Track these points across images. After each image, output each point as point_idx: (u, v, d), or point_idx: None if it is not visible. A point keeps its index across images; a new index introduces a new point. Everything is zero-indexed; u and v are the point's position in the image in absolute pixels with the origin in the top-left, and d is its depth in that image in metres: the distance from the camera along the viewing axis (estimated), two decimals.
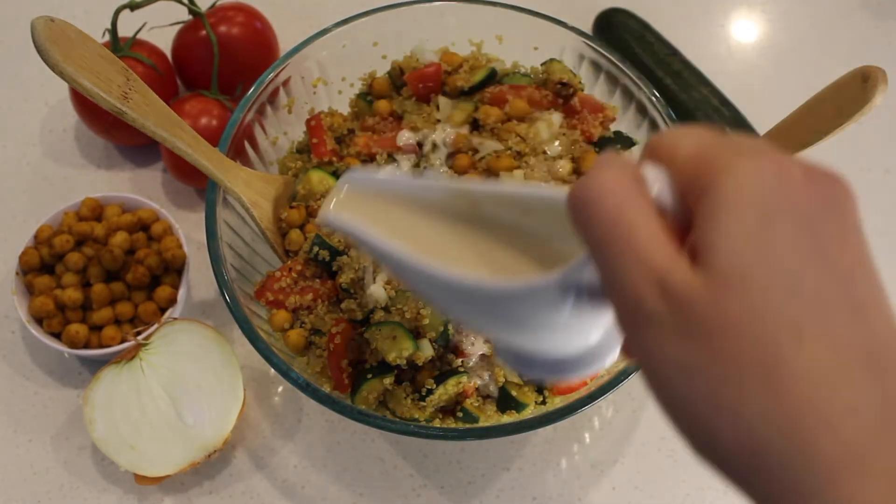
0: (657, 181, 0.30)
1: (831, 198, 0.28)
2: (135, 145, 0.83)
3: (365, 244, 0.42)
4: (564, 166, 0.66)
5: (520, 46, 0.75)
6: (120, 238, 0.70)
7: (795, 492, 0.26)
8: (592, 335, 0.39)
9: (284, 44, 0.86)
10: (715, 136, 0.30)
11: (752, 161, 0.28)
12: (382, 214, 0.44)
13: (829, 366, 0.26)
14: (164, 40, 0.83)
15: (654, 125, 0.70)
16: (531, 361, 0.42)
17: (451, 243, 0.43)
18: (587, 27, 0.91)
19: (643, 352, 0.29)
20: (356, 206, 0.44)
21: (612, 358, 0.40)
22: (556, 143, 0.68)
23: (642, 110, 0.71)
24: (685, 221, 0.30)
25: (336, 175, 0.68)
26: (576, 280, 0.33)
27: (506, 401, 0.62)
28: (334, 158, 0.69)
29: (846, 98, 0.52)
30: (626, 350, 0.36)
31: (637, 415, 0.71)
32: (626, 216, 0.28)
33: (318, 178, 0.68)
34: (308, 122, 0.72)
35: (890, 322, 0.27)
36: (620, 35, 0.88)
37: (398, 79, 0.73)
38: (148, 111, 0.57)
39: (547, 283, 0.34)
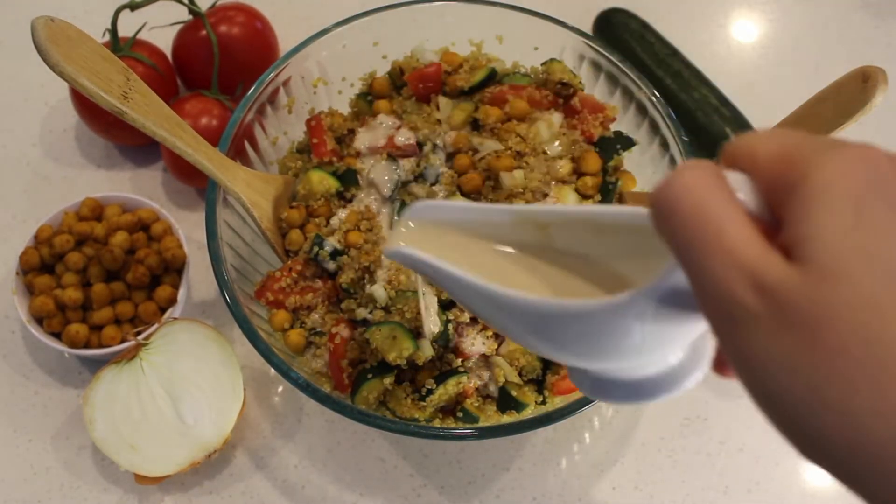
0: (741, 184, 0.30)
1: None
2: (135, 145, 0.83)
3: (435, 275, 0.41)
4: (564, 166, 0.66)
5: (520, 46, 0.75)
6: (120, 238, 0.70)
7: (883, 464, 0.25)
8: (673, 355, 0.39)
9: (284, 44, 0.86)
10: (794, 134, 0.29)
11: (839, 153, 0.27)
12: (449, 244, 0.43)
13: None
14: (164, 40, 0.83)
15: (654, 125, 0.70)
16: (610, 386, 0.41)
17: (520, 272, 0.42)
18: (587, 27, 0.91)
19: (740, 353, 0.28)
20: (422, 237, 0.43)
21: (696, 378, 0.39)
22: (557, 143, 0.68)
23: (642, 110, 0.71)
24: (772, 225, 0.29)
25: (336, 175, 0.68)
26: (664, 291, 0.32)
27: (506, 401, 0.62)
28: (334, 158, 0.69)
29: (846, 98, 0.52)
30: (721, 356, 0.36)
31: (637, 415, 0.71)
32: (714, 212, 0.28)
33: (318, 178, 0.68)
34: (308, 122, 0.72)
35: None
36: (620, 35, 0.88)
37: (398, 79, 0.73)
38: (148, 111, 0.57)
39: (632, 299, 0.33)
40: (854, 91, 0.52)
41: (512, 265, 0.42)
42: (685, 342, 0.37)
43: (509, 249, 0.43)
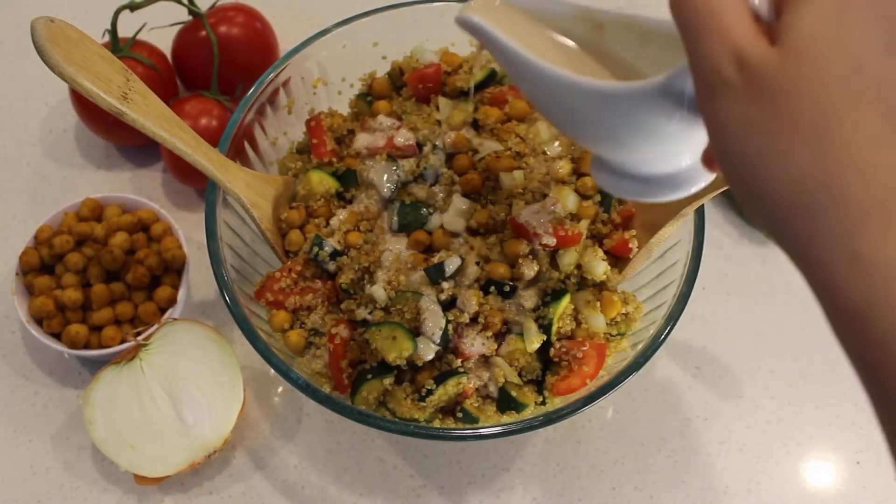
0: None
1: None
2: (135, 145, 0.83)
3: (496, 47, 0.46)
4: (564, 167, 0.66)
5: None
6: (120, 238, 0.70)
7: (825, 236, 0.30)
8: (684, 158, 0.45)
9: (284, 44, 0.86)
10: None
11: None
12: (515, 23, 0.49)
13: (876, 132, 0.29)
14: (164, 41, 0.83)
15: None
16: (623, 176, 0.48)
17: (571, 60, 0.49)
18: None
19: (714, 118, 0.33)
20: (491, 11, 0.49)
21: (700, 185, 0.47)
22: (556, 143, 0.68)
23: None
24: (771, 24, 0.33)
25: (336, 175, 0.68)
26: (677, 87, 0.37)
27: (506, 401, 0.62)
28: (334, 159, 0.69)
29: None
30: (709, 153, 0.40)
31: (637, 415, 0.71)
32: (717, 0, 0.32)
33: (317, 178, 0.68)
34: (308, 122, 0.72)
35: None
36: None
37: (398, 79, 0.73)
38: (147, 111, 0.57)
39: (653, 85, 0.38)
40: None
41: (565, 53, 0.49)
42: (697, 147, 0.42)
43: (567, 41, 0.50)
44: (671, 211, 0.61)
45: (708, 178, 0.46)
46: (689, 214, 0.61)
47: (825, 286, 0.30)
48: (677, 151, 0.45)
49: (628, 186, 0.48)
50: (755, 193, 0.32)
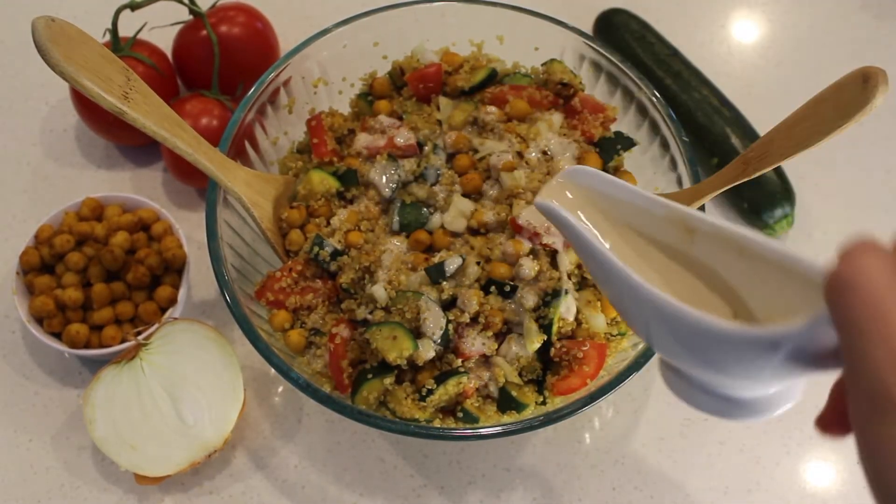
0: None
1: None
2: (135, 145, 0.83)
3: (576, 242, 0.44)
4: (565, 166, 0.66)
5: (520, 47, 0.75)
6: (120, 238, 0.70)
7: None
8: (775, 387, 0.39)
9: (285, 44, 0.86)
10: None
11: None
12: (594, 215, 0.46)
13: None
14: (164, 40, 0.83)
15: (654, 125, 0.70)
16: (700, 389, 0.42)
17: (654, 265, 0.44)
18: (587, 27, 0.91)
19: (877, 439, 0.30)
20: (572, 200, 0.46)
21: (784, 409, 0.40)
22: (555, 140, 0.68)
23: (643, 111, 0.71)
24: None
25: (336, 175, 0.68)
26: (807, 339, 0.33)
27: (506, 401, 0.62)
28: (335, 158, 0.69)
29: (846, 99, 0.52)
30: (832, 416, 0.37)
31: (637, 415, 0.71)
32: (889, 308, 0.29)
33: (318, 178, 0.68)
34: (308, 122, 0.72)
35: None
36: (621, 35, 0.88)
37: (399, 79, 0.73)
38: (148, 111, 0.57)
39: (780, 334, 0.34)
40: (854, 91, 0.51)
41: (647, 257, 0.44)
42: (791, 381, 0.38)
43: (649, 242, 0.45)
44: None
45: (795, 400, 0.41)
46: None
47: None
48: (772, 384, 0.40)
49: (704, 401, 0.43)
50: None
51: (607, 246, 0.44)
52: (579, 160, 0.67)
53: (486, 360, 0.62)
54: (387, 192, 0.67)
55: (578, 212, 0.46)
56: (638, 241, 0.45)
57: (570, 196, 0.46)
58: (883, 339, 0.29)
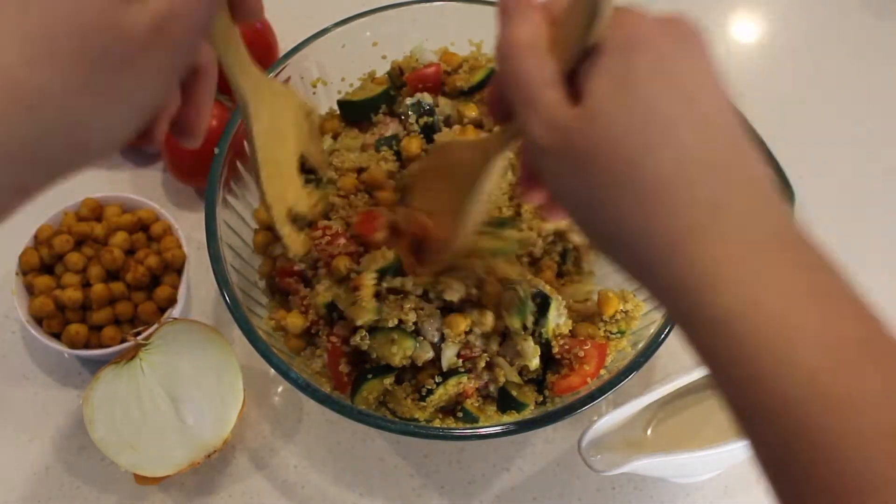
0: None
1: (682, 36, 0.36)
2: (135, 145, 0.83)
3: (650, 469, 0.60)
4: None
5: None
6: (120, 238, 0.70)
7: (650, 262, 0.35)
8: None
9: (284, 44, 0.86)
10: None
11: (621, 17, 0.35)
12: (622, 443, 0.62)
13: (673, 169, 0.34)
14: None
15: None
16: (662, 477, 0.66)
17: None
18: None
19: (546, 176, 0.39)
20: (599, 446, 0.60)
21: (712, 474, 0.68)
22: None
23: None
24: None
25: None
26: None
27: (506, 401, 0.62)
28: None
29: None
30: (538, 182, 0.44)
31: None
32: (522, 70, 0.37)
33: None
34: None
35: (730, 130, 0.36)
36: None
37: (398, 79, 0.73)
38: None
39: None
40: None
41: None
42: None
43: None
44: (490, 149, 0.57)
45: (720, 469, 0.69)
46: None
47: (673, 293, 0.35)
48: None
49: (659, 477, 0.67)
50: (592, 234, 0.38)
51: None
52: None
53: (487, 363, 0.62)
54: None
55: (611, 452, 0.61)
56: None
57: (602, 459, 0.59)
58: (527, 98, 0.37)
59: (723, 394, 0.35)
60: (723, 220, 0.33)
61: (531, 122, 0.37)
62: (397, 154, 0.67)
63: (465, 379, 0.60)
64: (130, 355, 0.65)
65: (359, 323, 0.58)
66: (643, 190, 0.34)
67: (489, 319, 0.60)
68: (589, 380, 0.61)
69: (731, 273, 0.33)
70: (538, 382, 0.63)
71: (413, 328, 0.59)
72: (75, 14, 0.30)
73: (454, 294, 0.59)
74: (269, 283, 0.67)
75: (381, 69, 0.74)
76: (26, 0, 0.30)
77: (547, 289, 0.60)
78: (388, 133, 0.68)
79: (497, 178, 0.51)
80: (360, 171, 0.67)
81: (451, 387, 0.60)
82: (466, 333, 0.60)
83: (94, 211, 0.72)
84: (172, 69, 0.35)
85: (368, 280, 0.59)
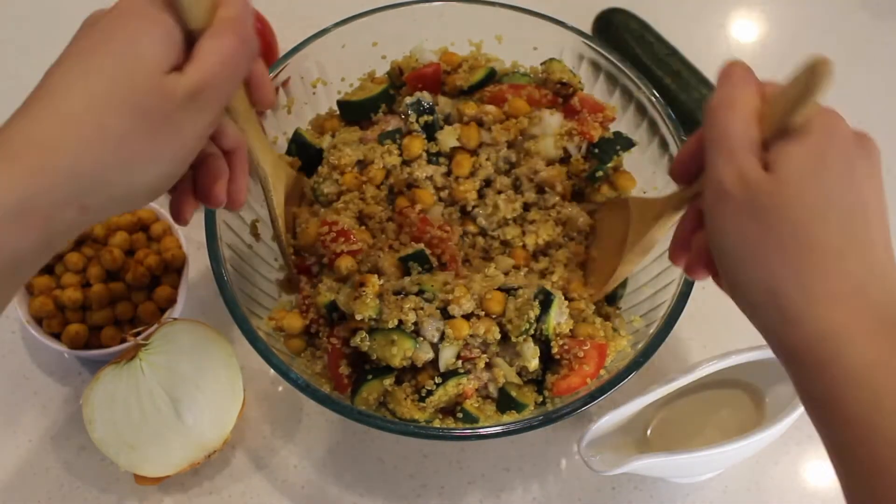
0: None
1: (866, 148, 0.42)
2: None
3: (653, 469, 0.60)
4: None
5: (519, 46, 0.75)
6: (119, 238, 0.70)
7: (793, 313, 0.40)
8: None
9: (284, 44, 0.86)
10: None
11: (825, 112, 0.43)
12: (626, 442, 0.65)
13: (838, 243, 0.40)
14: None
15: (653, 125, 0.70)
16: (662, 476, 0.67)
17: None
18: (587, 27, 0.91)
19: (717, 218, 0.43)
20: (600, 447, 0.61)
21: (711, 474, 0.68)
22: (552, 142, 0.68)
23: (642, 110, 0.71)
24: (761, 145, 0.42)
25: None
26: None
27: (506, 401, 0.62)
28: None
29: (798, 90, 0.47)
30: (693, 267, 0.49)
31: None
32: (731, 126, 0.42)
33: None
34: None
35: (884, 235, 0.42)
36: (620, 35, 0.88)
37: (398, 79, 0.73)
38: None
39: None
40: (804, 83, 0.47)
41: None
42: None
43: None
44: (663, 210, 0.59)
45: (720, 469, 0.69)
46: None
47: (789, 350, 0.41)
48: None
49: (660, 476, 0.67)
50: (742, 284, 0.42)
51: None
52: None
53: (486, 364, 0.62)
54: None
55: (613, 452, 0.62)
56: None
57: (601, 459, 0.60)
58: (726, 148, 0.42)
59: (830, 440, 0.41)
60: (861, 296, 0.40)
61: (725, 170, 0.42)
62: (400, 148, 0.68)
63: (464, 380, 0.60)
64: (130, 355, 0.65)
65: (359, 317, 0.58)
66: (809, 248, 0.40)
67: (494, 333, 0.60)
68: (589, 380, 0.61)
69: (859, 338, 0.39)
70: (538, 383, 0.63)
71: (413, 328, 0.59)
72: (129, 76, 0.39)
73: (458, 312, 0.59)
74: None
75: (381, 69, 0.74)
76: (87, 63, 0.40)
77: (549, 287, 0.61)
78: (390, 128, 0.68)
79: (666, 231, 0.58)
80: (359, 163, 0.67)
81: (451, 387, 0.60)
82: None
83: None
84: (203, 127, 0.43)
85: (374, 279, 0.60)
